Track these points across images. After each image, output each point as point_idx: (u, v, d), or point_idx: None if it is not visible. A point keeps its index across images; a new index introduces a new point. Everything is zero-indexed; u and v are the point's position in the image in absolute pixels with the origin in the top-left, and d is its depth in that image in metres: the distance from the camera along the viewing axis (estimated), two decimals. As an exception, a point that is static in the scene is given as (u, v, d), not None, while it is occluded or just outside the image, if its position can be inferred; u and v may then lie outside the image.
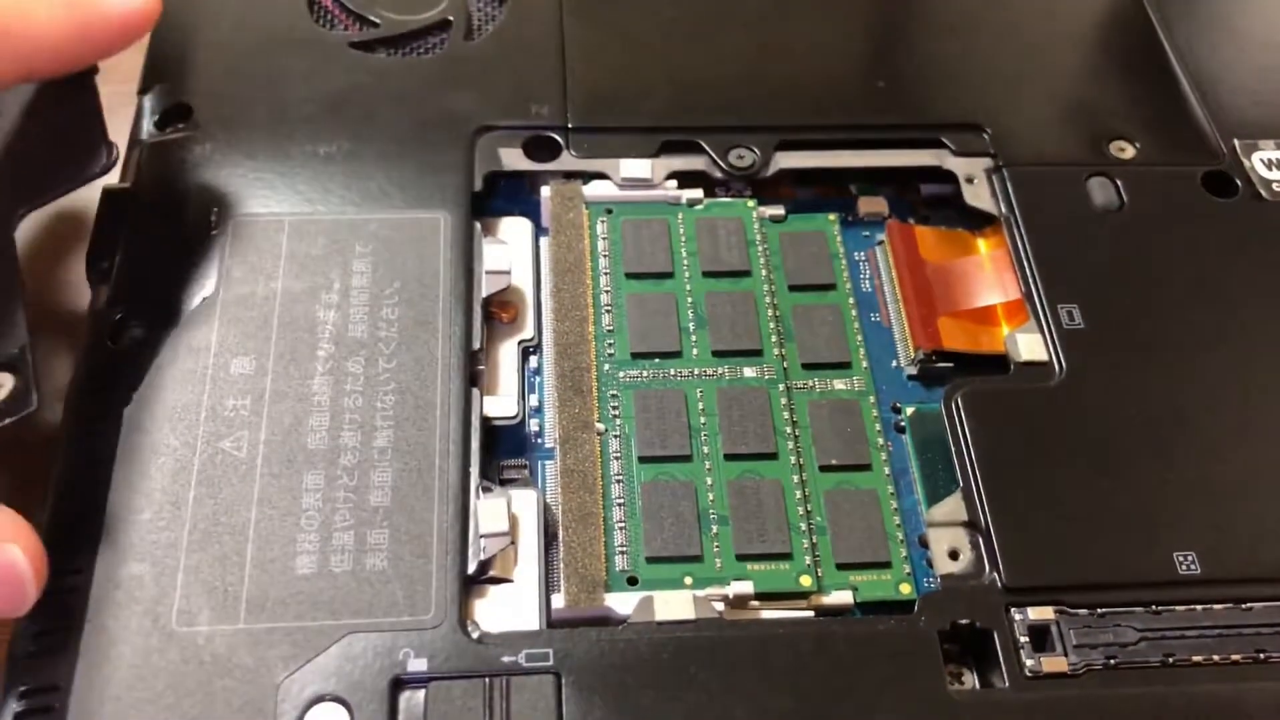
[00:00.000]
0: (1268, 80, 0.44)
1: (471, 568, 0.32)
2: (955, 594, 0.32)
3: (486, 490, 0.33)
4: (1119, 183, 0.39)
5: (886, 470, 0.35)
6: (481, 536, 0.32)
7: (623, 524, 0.34)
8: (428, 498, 0.32)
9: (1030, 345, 0.35)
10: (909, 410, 0.37)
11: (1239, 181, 0.40)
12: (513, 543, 0.33)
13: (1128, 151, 0.41)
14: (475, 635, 0.31)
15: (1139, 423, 0.34)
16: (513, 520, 0.33)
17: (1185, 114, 0.41)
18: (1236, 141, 0.40)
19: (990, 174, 0.39)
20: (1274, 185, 0.40)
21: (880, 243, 0.39)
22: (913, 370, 0.38)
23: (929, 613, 0.32)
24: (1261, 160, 0.41)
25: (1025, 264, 0.37)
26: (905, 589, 0.33)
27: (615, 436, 0.35)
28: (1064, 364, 0.35)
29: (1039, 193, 0.38)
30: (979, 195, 0.39)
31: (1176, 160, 0.40)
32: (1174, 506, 0.33)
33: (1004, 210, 0.38)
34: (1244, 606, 0.32)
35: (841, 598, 0.33)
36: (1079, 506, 0.33)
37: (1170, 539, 0.33)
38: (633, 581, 0.33)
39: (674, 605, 0.32)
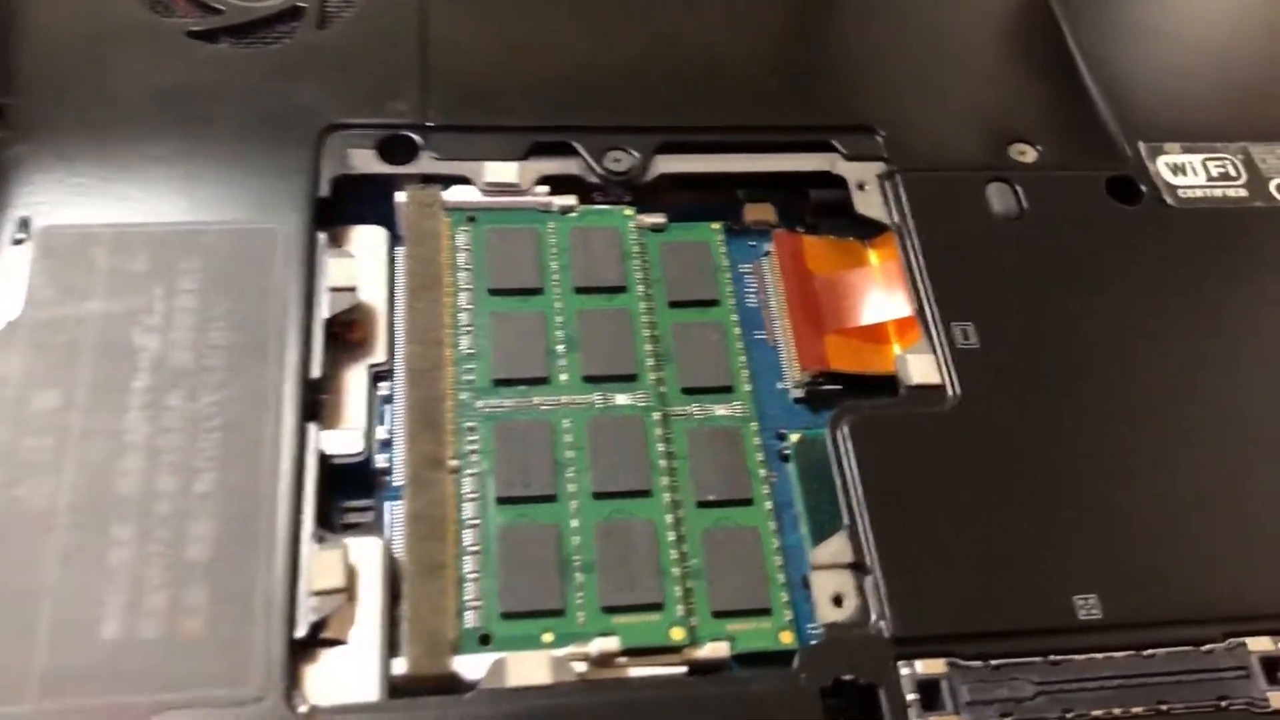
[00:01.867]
0: (1175, 82, 0.42)
1: (301, 630, 0.28)
2: (838, 645, 0.29)
3: (322, 540, 0.29)
4: (1019, 189, 0.37)
5: (769, 505, 0.33)
6: (314, 594, 0.29)
7: (476, 575, 0.30)
8: (254, 550, 0.29)
9: (922, 367, 0.33)
10: (794, 437, 0.34)
11: (1144, 187, 0.38)
12: (350, 599, 0.29)
13: (1029, 155, 0.38)
14: (303, 710, 0.27)
15: (1038, 451, 0.32)
16: (351, 573, 0.29)
17: (1090, 116, 0.39)
18: (1142, 145, 0.38)
19: (883, 180, 0.36)
20: (1179, 191, 0.38)
21: (767, 253, 0.36)
22: (798, 393, 0.35)
23: (810, 667, 0.29)
24: (1167, 164, 0.39)
25: (918, 277, 0.34)
26: (786, 638, 0.30)
27: (471, 475, 0.32)
28: (958, 387, 0.32)
29: (934, 200, 0.36)
30: (870, 202, 0.36)
31: (1080, 165, 0.38)
32: (1075, 544, 0.31)
33: (896, 219, 0.35)
34: (1146, 654, 0.29)
35: (717, 650, 0.30)
36: (973, 546, 0.31)
37: (1070, 580, 0.30)
38: (485, 640, 0.29)
39: (529, 668, 0.28)
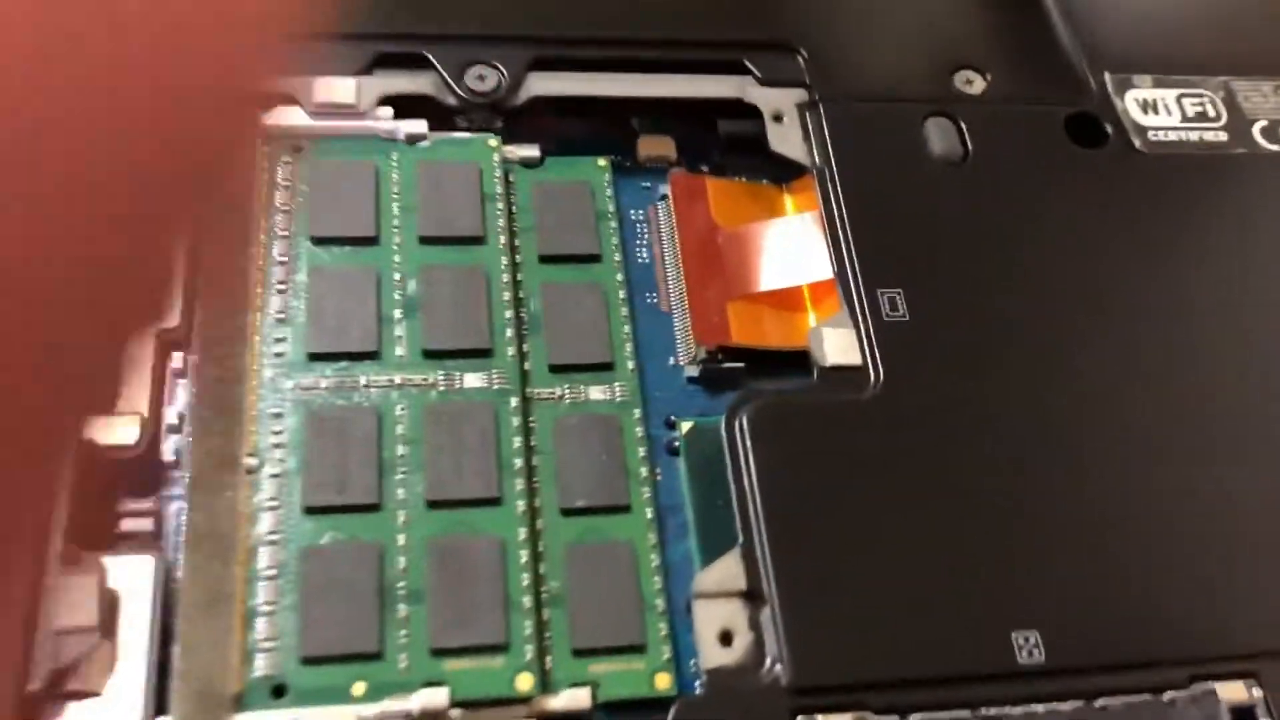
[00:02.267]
0: (1150, 2, 0.35)
1: (37, 681, 0.22)
2: (724, 697, 0.24)
3: (71, 559, 0.23)
4: (963, 125, 0.31)
5: (649, 512, 0.27)
6: (57, 632, 0.22)
7: (271, 607, 0.24)
8: (-26, 580, 0.22)
9: (839, 343, 0.27)
10: (685, 426, 0.28)
11: (1109, 126, 0.32)
12: (108, 639, 0.23)
13: (976, 85, 0.32)
14: (33, 789, 0.21)
15: (975, 453, 0.26)
16: (110, 603, 0.23)
17: (1048, 41, 0.33)
18: (1108, 76, 0.32)
19: (804, 111, 0.30)
20: (1150, 133, 0.32)
21: (663, 198, 0.29)
22: (693, 371, 0.29)
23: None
24: (1136, 100, 0.33)
25: (840, 233, 0.28)
26: (663, 681, 0.25)
27: (273, 477, 0.25)
28: (880, 370, 0.26)
29: (863, 136, 0.30)
30: (787, 138, 0.30)
31: (1035, 98, 0.32)
32: (1014, 570, 0.25)
33: (818, 159, 0.29)
34: (1096, 705, 0.24)
35: (575, 699, 0.24)
36: (892, 572, 0.25)
37: (1008, 615, 0.25)
38: (279, 693, 0.23)
39: (334, 729, 0.22)
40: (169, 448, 0.26)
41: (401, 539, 0.25)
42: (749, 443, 0.26)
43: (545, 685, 0.24)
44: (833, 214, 0.30)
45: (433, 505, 0.26)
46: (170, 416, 0.27)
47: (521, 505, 0.26)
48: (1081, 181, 0.32)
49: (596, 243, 0.30)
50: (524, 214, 0.30)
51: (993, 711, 0.24)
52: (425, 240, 0.29)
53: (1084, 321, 0.29)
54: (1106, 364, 0.28)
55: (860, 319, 0.28)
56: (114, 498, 0.26)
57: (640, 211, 0.32)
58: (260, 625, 0.24)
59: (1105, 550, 0.26)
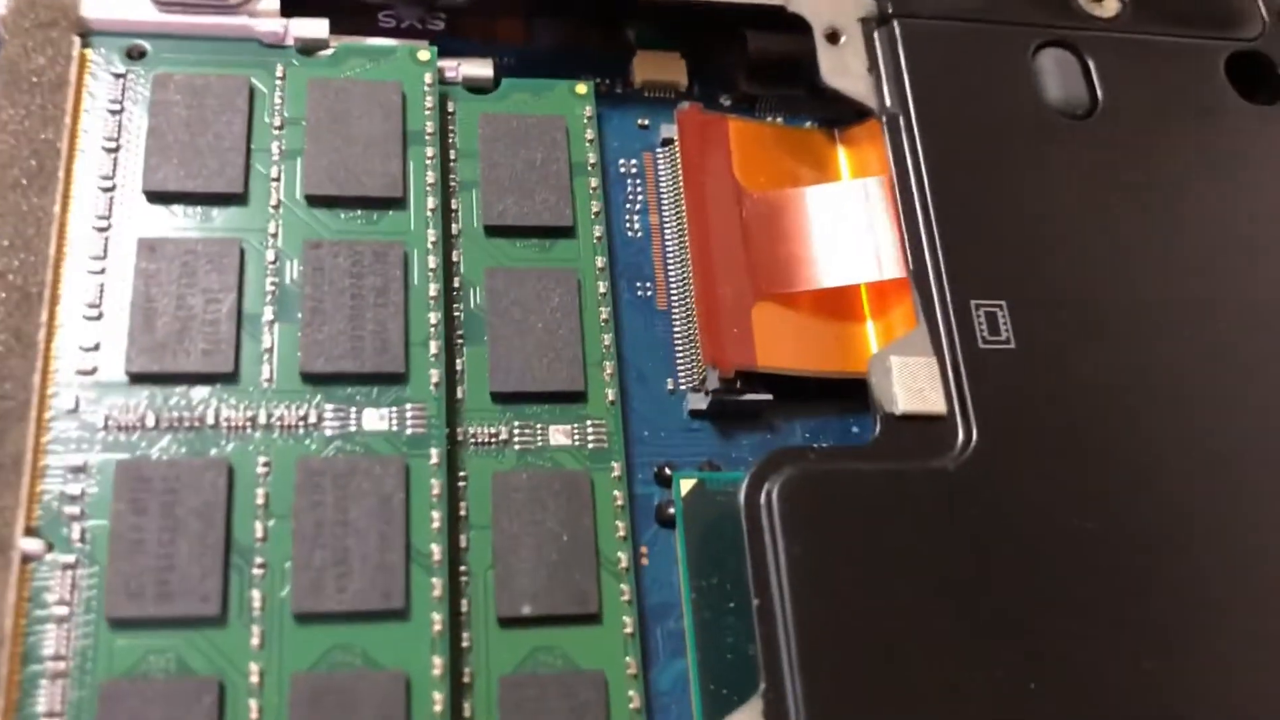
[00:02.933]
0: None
1: None
2: None
3: None
4: (1091, 62, 0.21)
5: (629, 623, 0.18)
6: None
7: (41, 786, 0.16)
8: None
9: (914, 380, 0.19)
10: (686, 484, 0.20)
11: (1281, 72, 0.23)
12: None
13: (1108, 6, 0.23)
14: None
15: (1104, 547, 0.18)
16: None
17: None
18: (1286, 2, 0.23)
19: (870, 27, 0.21)
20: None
21: (666, 143, 0.20)
22: (700, 403, 0.20)
23: None
24: (1320, 36, 0.24)
25: (918, 213, 0.19)
26: None
27: (65, 568, 0.17)
28: (973, 425, 0.17)
29: (951, 72, 0.20)
30: (845, 66, 0.21)
31: (1187, 30, 0.22)
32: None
33: (888, 99, 0.20)
34: None
35: None
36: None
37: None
38: None
39: None
40: (-80, 502, 0.18)
41: (254, 670, 0.17)
42: (779, 526, 0.18)
43: None
44: (908, 181, 0.21)
45: (303, 619, 0.17)
46: (-77, 456, 0.18)
47: (438, 619, 0.17)
48: (1249, 146, 0.23)
49: (569, 208, 0.21)
50: (466, 163, 0.21)
51: None
52: (314, 201, 0.20)
53: (1259, 352, 0.20)
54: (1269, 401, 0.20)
55: (946, 345, 0.19)
56: None
57: (633, 162, 0.23)
58: (20, 816, 0.16)
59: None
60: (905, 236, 0.21)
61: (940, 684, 0.17)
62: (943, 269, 0.20)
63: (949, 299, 0.20)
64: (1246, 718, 0.18)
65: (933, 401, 0.19)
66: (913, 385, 0.19)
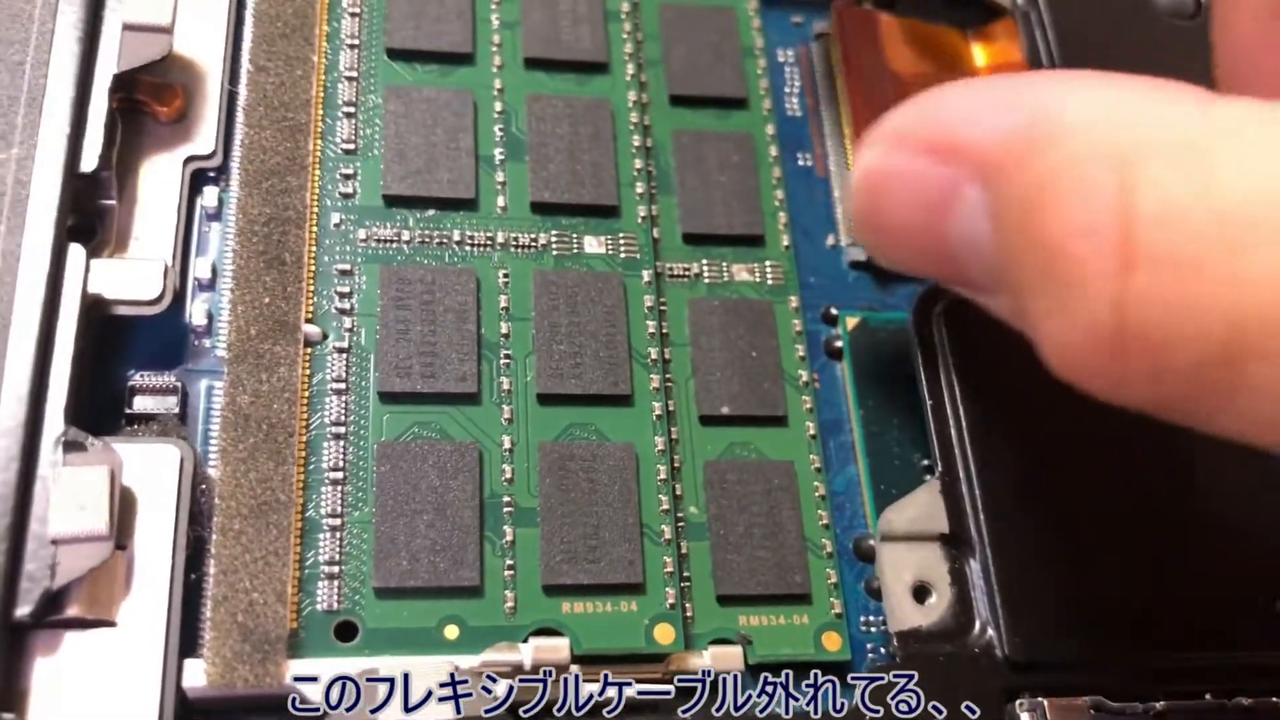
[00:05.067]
0: None
1: (26, 606, 0.16)
2: (921, 667, 0.18)
3: (76, 447, 0.17)
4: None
5: (811, 427, 0.21)
6: (54, 542, 0.16)
7: (338, 520, 0.18)
8: (-57, 465, 0.16)
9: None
10: (851, 321, 0.22)
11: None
12: (120, 549, 0.17)
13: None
14: (14, 751, 0.15)
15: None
16: (124, 503, 0.17)
17: None
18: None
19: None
20: None
21: (820, 36, 0.23)
22: (859, 254, 0.23)
23: (875, 699, 0.18)
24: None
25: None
26: (832, 643, 0.19)
27: (340, 350, 0.19)
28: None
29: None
30: (986, -32, 0.24)
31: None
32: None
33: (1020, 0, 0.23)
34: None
35: (723, 659, 0.19)
36: (1139, 526, 0.19)
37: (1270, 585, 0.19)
38: (347, 633, 0.18)
39: (420, 684, 0.17)
40: (199, 308, 0.20)
41: (506, 441, 0.19)
42: (946, 341, 0.20)
43: (686, 641, 0.19)
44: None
45: (546, 400, 0.20)
46: (201, 268, 0.21)
47: (657, 406, 0.20)
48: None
49: (742, 83, 0.24)
50: (651, 42, 0.24)
51: (1247, 702, 0.19)
52: (531, 63, 0.23)
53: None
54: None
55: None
56: (128, 368, 0.20)
57: (789, 51, 0.25)
58: (323, 546, 0.18)
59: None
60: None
61: (1102, 473, 0.20)
62: (1078, 135, 0.23)
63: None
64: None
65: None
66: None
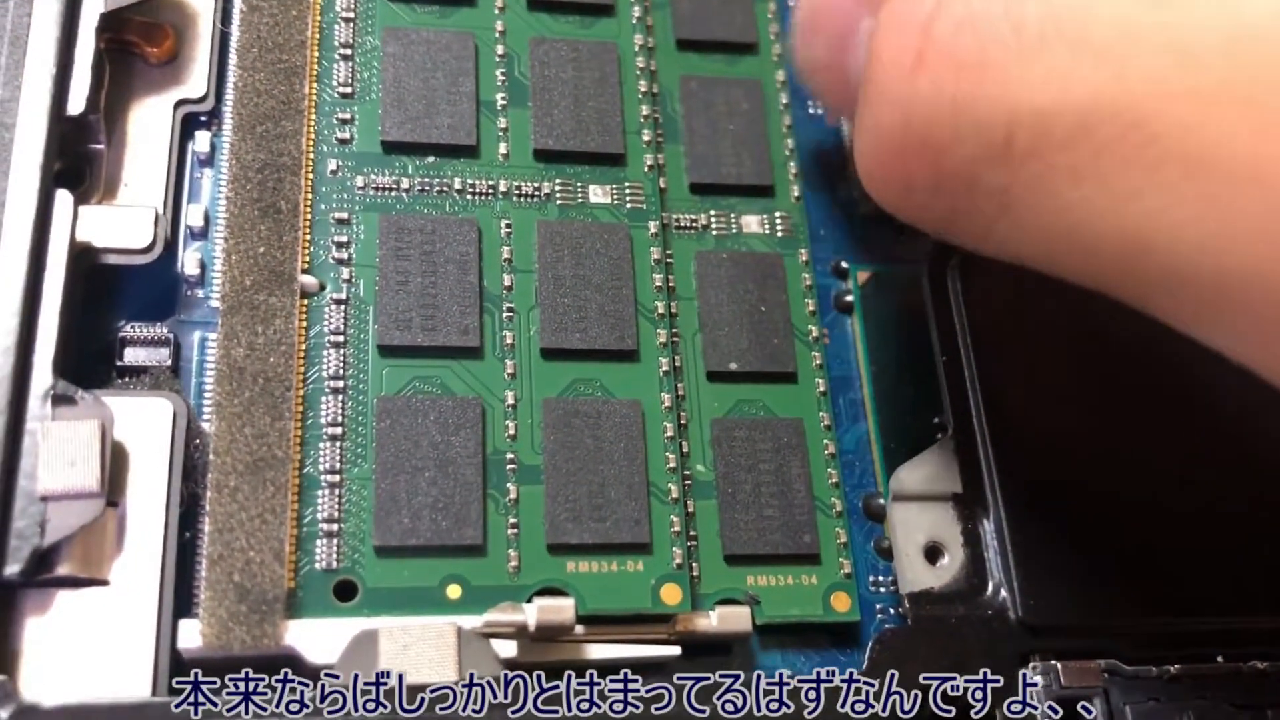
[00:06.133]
0: None
1: (16, 565, 0.16)
2: (933, 630, 0.18)
3: (65, 401, 0.17)
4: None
5: (821, 383, 0.20)
6: (44, 498, 0.16)
7: (336, 478, 0.18)
8: (-73, 418, 0.16)
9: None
10: (861, 275, 0.22)
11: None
12: (112, 505, 0.17)
13: None
14: (7, 712, 0.15)
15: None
16: (115, 458, 0.17)
17: None
18: None
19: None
20: None
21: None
22: (870, 205, 0.22)
23: (887, 660, 0.17)
24: None
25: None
26: (841, 603, 0.19)
27: (338, 301, 0.19)
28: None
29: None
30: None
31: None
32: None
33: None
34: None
35: (730, 620, 0.18)
36: (1154, 487, 0.19)
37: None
38: (346, 592, 0.17)
39: (420, 648, 0.16)
40: (191, 257, 0.20)
41: (509, 396, 0.19)
42: (961, 296, 0.20)
43: (693, 601, 0.18)
44: None
45: (550, 354, 0.19)
46: (193, 216, 0.20)
47: (664, 362, 0.20)
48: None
49: (752, 27, 0.23)
50: (657, -15, 0.23)
51: (1262, 665, 0.19)
52: (535, 4, 0.22)
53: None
54: None
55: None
56: (118, 319, 0.19)
57: (800, -6, 0.24)
58: (322, 502, 0.18)
59: None
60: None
61: (1115, 432, 0.19)
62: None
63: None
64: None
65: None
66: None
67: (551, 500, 0.18)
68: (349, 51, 0.21)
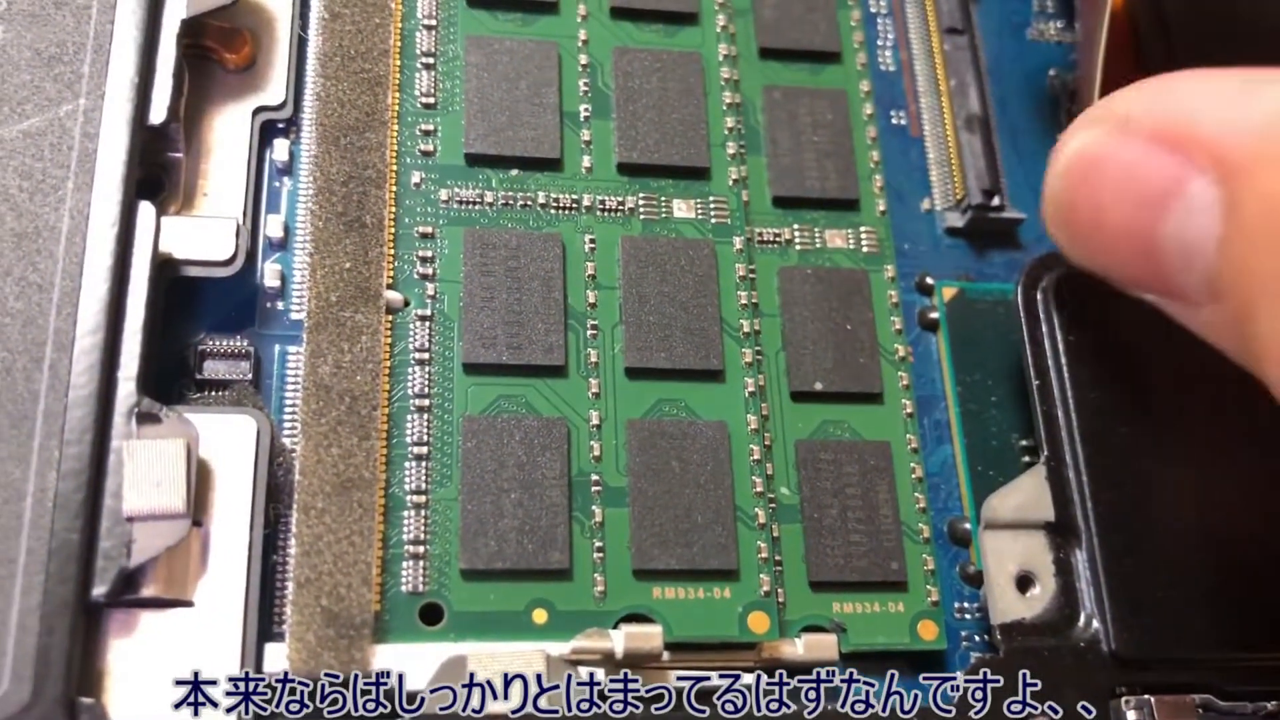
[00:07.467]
0: None
1: (102, 586, 0.15)
2: (1024, 659, 0.18)
3: (149, 419, 0.16)
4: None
5: (908, 404, 0.20)
6: (130, 519, 0.16)
7: (422, 498, 0.17)
8: (18, 436, 0.16)
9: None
10: (948, 291, 0.21)
11: None
12: (196, 525, 0.16)
13: None
14: (92, 733, 0.15)
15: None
16: (200, 477, 0.17)
17: None
18: None
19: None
20: None
21: (915, -15, 0.22)
22: (957, 220, 0.22)
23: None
24: None
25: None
26: (928, 632, 0.19)
27: (423, 318, 0.18)
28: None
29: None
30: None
31: None
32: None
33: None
34: None
35: (816, 648, 0.18)
36: (1252, 519, 0.19)
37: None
38: (433, 616, 0.17)
39: (507, 670, 0.16)
40: (270, 269, 0.19)
41: (595, 415, 0.18)
42: (1055, 317, 0.19)
43: (779, 629, 0.18)
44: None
45: (634, 374, 0.19)
46: (273, 227, 0.20)
47: (750, 382, 0.19)
48: None
49: (835, 35, 0.22)
50: (740, -7, 0.23)
51: (1363, 703, 0.18)
52: (618, 12, 0.21)
53: None
54: None
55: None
56: (196, 331, 0.19)
57: (882, 2, 0.24)
58: (407, 524, 0.17)
59: None
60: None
61: (1215, 458, 0.19)
62: None
63: None
64: None
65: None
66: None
67: (637, 524, 0.18)
68: (431, 60, 0.20)
